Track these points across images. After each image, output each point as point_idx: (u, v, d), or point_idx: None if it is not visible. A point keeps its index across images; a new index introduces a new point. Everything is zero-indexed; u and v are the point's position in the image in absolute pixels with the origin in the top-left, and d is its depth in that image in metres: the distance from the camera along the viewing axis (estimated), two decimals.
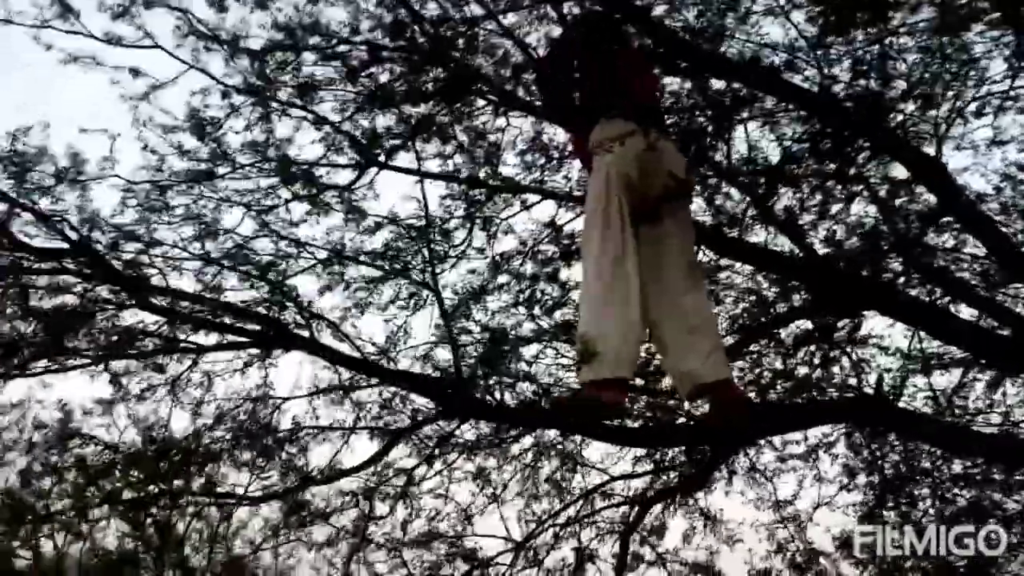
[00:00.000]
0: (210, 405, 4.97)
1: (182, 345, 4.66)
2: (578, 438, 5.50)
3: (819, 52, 4.34)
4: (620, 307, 2.75)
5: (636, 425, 4.94)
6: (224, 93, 5.23)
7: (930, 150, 4.50)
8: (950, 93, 4.48)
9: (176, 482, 4.44)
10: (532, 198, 5.94)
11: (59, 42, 4.78)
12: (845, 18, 3.87)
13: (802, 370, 6.22)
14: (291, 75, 5.53)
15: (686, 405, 5.04)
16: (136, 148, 5.08)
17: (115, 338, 4.73)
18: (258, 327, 4.46)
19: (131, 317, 4.73)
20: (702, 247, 5.77)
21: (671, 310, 2.97)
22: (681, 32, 4.51)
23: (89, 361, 4.78)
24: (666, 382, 5.44)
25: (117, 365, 4.98)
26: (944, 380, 5.84)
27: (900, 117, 4.53)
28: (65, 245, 4.39)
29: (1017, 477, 5.45)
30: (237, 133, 5.47)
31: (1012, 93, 4.97)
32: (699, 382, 2.91)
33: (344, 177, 5.90)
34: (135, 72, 4.96)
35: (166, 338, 4.70)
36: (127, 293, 4.36)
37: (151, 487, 4.37)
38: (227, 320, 4.52)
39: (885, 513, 6.04)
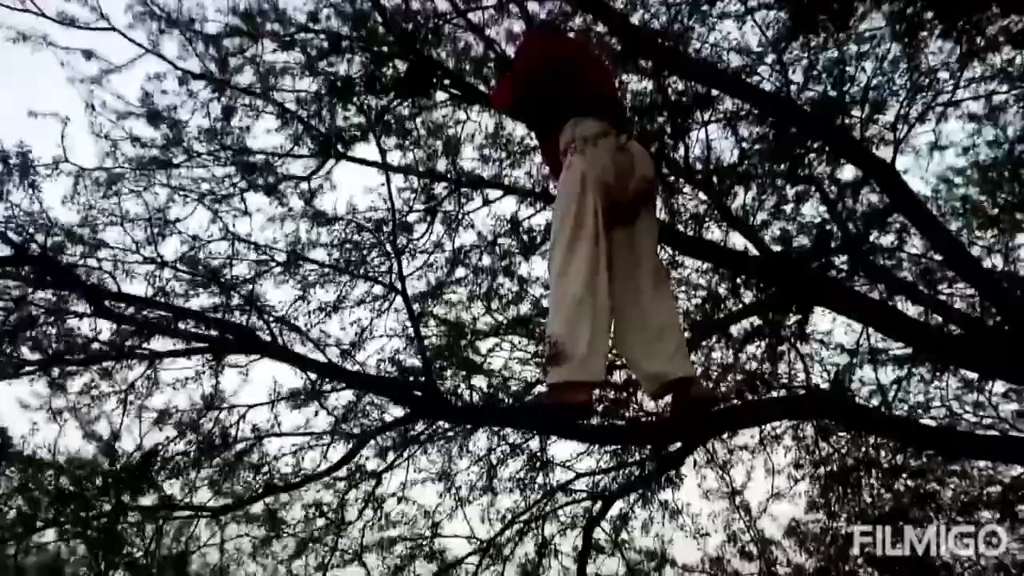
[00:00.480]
0: (170, 417, 4.84)
1: (137, 351, 4.51)
2: (543, 436, 5.54)
3: (780, 54, 4.45)
4: (592, 313, 2.65)
5: (604, 423, 4.98)
6: (181, 80, 5.06)
7: (883, 152, 4.67)
8: (900, 99, 4.66)
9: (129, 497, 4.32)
10: (493, 193, 5.95)
11: (8, 19, 4.55)
12: (808, 21, 3.99)
13: (752, 365, 6.39)
14: (249, 62, 5.42)
15: (650, 403, 5.12)
16: (87, 138, 4.90)
17: (61, 345, 4.57)
18: (217, 333, 4.34)
19: (78, 323, 4.59)
20: (661, 244, 5.91)
21: (639, 312, 2.93)
22: (648, 31, 4.57)
23: (35, 368, 4.61)
24: (622, 375, 5.54)
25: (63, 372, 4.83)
26: (886, 375, 6.08)
27: (855, 120, 4.69)
28: (7, 251, 4.17)
29: (953, 467, 5.73)
30: (189, 120, 5.35)
31: (954, 99, 5.21)
32: (664, 379, 2.88)
33: (301, 168, 5.83)
34: (88, 55, 4.76)
35: (117, 345, 4.55)
36: (86, 300, 4.18)
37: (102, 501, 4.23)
38: (183, 326, 4.39)
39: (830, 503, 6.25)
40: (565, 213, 2.86)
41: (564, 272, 2.78)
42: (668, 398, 3.01)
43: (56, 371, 4.69)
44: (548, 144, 3.28)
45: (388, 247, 4.92)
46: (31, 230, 4.32)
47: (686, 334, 5.74)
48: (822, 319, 6.05)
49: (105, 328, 4.55)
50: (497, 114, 6.00)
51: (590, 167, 2.87)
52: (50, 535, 5.22)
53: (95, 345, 4.57)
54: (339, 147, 5.41)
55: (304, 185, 5.65)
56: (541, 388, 5.05)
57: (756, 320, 6.38)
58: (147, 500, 4.80)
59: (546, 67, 3.16)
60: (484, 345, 6.55)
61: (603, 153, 2.91)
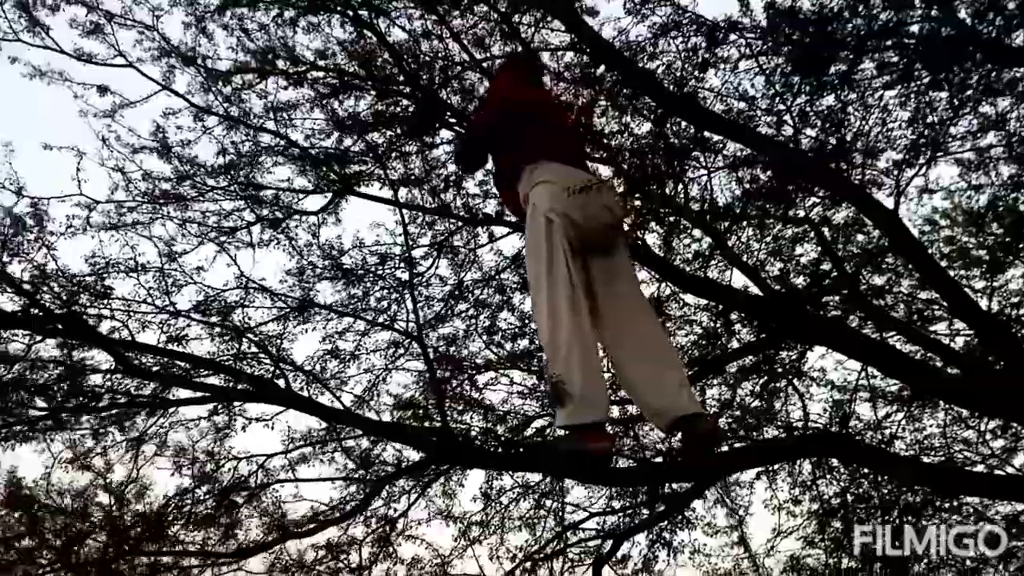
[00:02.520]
0: (188, 467, 4.85)
1: (159, 400, 4.52)
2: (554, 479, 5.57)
3: (785, 99, 4.61)
4: (580, 352, 2.66)
5: (621, 466, 5.01)
6: (196, 116, 5.12)
7: (881, 196, 4.83)
8: (900, 146, 4.83)
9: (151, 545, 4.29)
10: (500, 230, 6.04)
11: (26, 56, 4.61)
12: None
13: (749, 402, 6.50)
14: (259, 96, 5.49)
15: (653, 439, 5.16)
16: (100, 176, 4.93)
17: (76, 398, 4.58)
18: (241, 385, 4.36)
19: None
20: (662, 280, 6.02)
21: (632, 344, 2.93)
22: (657, 76, 4.71)
23: (46, 415, 4.62)
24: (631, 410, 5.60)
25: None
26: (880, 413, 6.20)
27: (857, 165, 4.85)
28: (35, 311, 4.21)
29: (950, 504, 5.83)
30: (200, 156, 5.39)
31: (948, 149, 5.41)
32: (676, 415, 2.87)
33: (309, 204, 5.88)
34: (104, 90, 4.82)
35: (131, 394, 4.57)
36: (111, 356, 4.20)
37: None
38: (202, 378, 4.43)
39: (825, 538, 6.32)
40: (536, 259, 2.88)
41: (549, 316, 2.77)
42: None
43: (70, 419, 4.69)
44: (510, 194, 3.27)
45: (401, 290, 4.94)
46: (53, 287, 4.35)
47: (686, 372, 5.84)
48: (822, 358, 6.16)
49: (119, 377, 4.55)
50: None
51: (549, 208, 2.88)
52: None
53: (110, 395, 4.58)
54: (349, 181, 5.47)
55: (312, 219, 5.71)
56: (556, 431, 5.09)
57: (752, 358, 6.51)
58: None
59: (506, 118, 3.20)
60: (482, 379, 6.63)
61: (561, 192, 2.91)
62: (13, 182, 4.47)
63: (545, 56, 5.65)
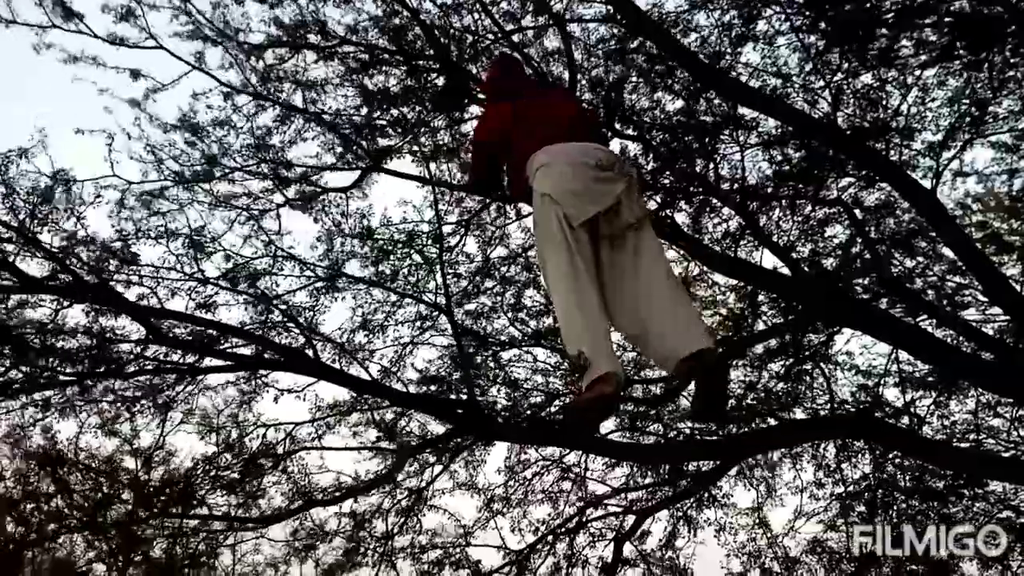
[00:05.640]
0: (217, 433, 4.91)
1: (187, 367, 4.57)
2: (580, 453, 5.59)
3: (825, 75, 4.54)
4: (584, 314, 2.69)
5: (647, 442, 5.02)
6: (226, 94, 5.13)
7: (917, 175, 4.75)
8: (939, 127, 4.75)
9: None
10: (527, 208, 6.00)
11: (61, 41, 4.64)
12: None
13: (774, 384, 6.45)
14: (290, 72, 5.47)
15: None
16: (129, 158, 4.97)
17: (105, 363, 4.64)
18: (272, 354, 4.40)
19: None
20: (691, 258, 5.99)
21: (647, 303, 2.90)
22: (692, 49, 4.65)
23: (75, 379, 4.68)
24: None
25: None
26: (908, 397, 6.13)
27: (895, 145, 4.77)
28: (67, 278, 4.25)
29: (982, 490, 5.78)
30: (231, 133, 5.40)
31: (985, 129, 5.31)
32: (687, 352, 2.72)
33: (338, 180, 5.89)
34: (136, 74, 4.85)
35: (160, 361, 4.63)
36: (140, 324, 4.25)
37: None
38: (233, 347, 4.46)
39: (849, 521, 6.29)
40: (539, 234, 2.97)
41: (555, 288, 2.82)
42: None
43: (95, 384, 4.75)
44: (522, 193, 3.31)
45: (430, 265, 4.94)
46: (83, 255, 4.40)
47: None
48: (847, 343, 6.10)
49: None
50: None
51: (546, 186, 2.96)
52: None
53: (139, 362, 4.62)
54: (379, 156, 5.46)
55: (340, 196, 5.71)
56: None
57: (778, 340, 6.46)
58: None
59: (494, 138, 3.34)
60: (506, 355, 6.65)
61: (557, 170, 2.99)
62: (48, 166, 4.51)
63: (576, 29, 5.61)
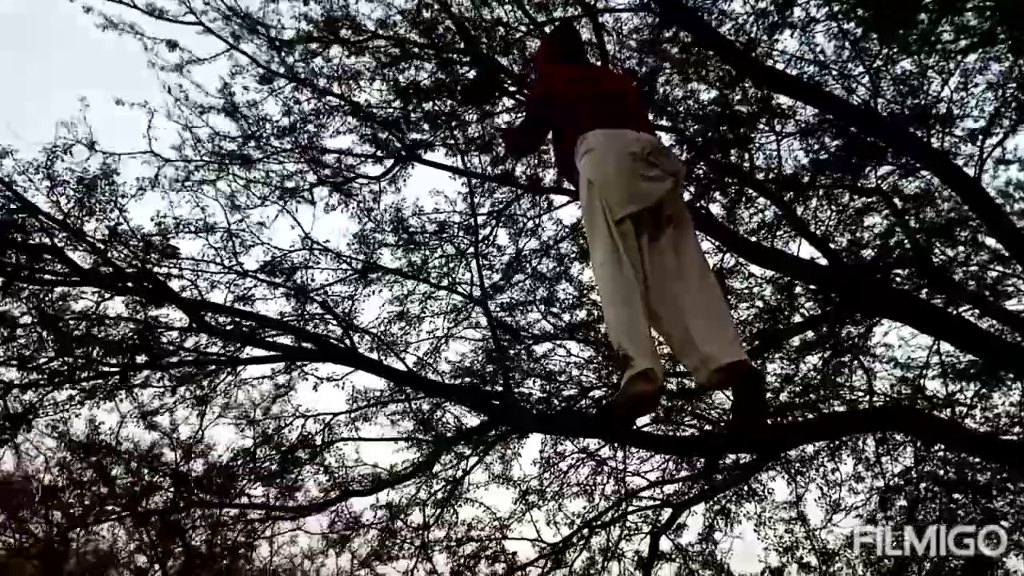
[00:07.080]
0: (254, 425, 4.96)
1: (228, 358, 4.63)
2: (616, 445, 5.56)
3: (864, 61, 4.45)
4: (626, 305, 2.70)
5: (684, 435, 4.97)
6: (264, 78, 5.15)
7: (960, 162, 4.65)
8: (984, 113, 4.64)
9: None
10: (558, 199, 5.99)
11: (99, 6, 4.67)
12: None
13: (812, 376, 6.36)
14: (322, 64, 5.50)
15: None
16: (169, 132, 5.01)
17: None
18: (310, 345, 4.43)
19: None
20: (727, 250, 5.91)
21: (688, 302, 2.90)
22: (731, 37, 4.59)
23: (117, 371, 4.76)
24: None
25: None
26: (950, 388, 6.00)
27: (936, 133, 4.67)
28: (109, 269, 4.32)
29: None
30: (268, 116, 5.43)
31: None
32: (725, 362, 2.72)
33: (372, 170, 5.91)
34: (173, 45, 4.89)
35: (201, 352, 4.69)
36: (186, 314, 4.31)
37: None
38: (272, 337, 4.51)
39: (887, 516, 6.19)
40: (587, 220, 2.96)
41: (600, 276, 2.81)
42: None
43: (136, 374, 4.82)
44: (572, 173, 3.26)
45: (463, 256, 4.93)
46: (122, 249, 4.46)
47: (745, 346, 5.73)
48: (886, 335, 6.00)
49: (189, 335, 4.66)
50: None
51: (592, 172, 2.94)
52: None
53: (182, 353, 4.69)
54: (413, 147, 5.47)
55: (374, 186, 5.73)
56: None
57: (815, 332, 6.36)
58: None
59: (550, 104, 3.22)
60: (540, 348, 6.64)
61: (604, 158, 2.94)
62: (86, 137, 4.57)
63: (608, 19, 5.56)
